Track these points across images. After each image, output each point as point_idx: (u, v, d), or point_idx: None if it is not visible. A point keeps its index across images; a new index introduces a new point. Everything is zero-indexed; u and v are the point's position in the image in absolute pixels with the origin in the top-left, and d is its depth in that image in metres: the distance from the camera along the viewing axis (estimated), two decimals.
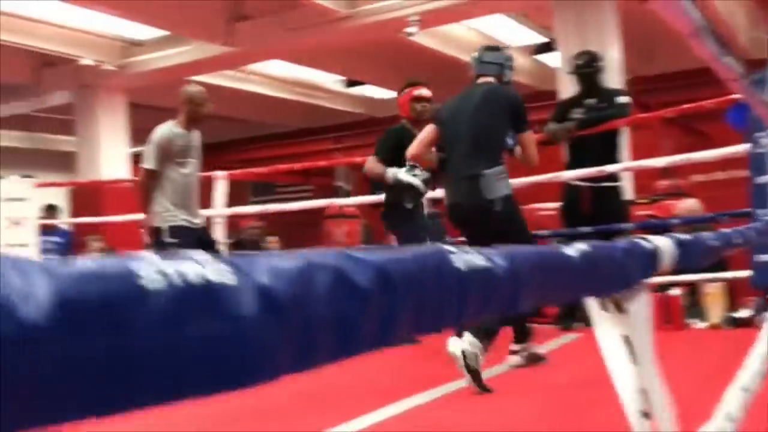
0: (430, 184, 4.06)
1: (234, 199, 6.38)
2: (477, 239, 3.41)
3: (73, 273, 0.34)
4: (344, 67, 10.73)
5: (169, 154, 4.54)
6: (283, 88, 11.52)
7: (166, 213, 4.57)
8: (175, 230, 4.56)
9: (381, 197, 5.21)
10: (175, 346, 0.37)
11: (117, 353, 0.34)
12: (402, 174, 4.00)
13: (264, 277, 0.42)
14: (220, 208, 5.96)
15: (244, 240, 8.70)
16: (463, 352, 2.98)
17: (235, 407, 2.59)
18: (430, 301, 0.55)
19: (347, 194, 10.44)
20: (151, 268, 0.36)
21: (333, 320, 0.47)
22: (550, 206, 7.41)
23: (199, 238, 4.69)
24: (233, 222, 6.87)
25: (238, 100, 11.31)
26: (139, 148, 12.54)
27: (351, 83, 11.98)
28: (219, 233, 5.91)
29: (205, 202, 6.02)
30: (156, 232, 4.62)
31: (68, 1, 7.49)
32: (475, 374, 2.98)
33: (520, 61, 10.81)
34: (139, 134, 11.10)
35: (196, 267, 0.39)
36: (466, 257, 0.59)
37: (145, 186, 4.59)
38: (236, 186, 6.09)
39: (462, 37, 9.44)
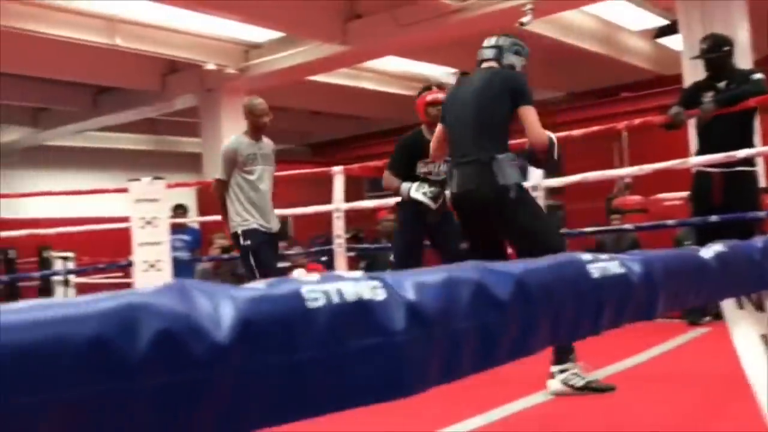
0: (440, 198, 3.96)
1: (349, 195, 6.49)
2: (488, 234, 3.22)
3: (249, 296, 0.37)
4: (458, 60, 10.69)
5: (235, 163, 4.85)
6: (396, 84, 11.61)
7: (239, 218, 4.86)
8: (248, 234, 4.83)
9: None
10: (337, 360, 0.40)
11: (289, 367, 0.38)
12: (412, 191, 3.99)
13: (410, 292, 0.44)
14: (338, 203, 6.09)
15: (380, 231, 8.88)
16: (570, 386, 2.92)
17: None
18: (567, 310, 0.56)
19: None
20: (313, 288, 0.39)
21: (475, 332, 0.48)
22: (678, 195, 7.14)
23: (271, 241, 4.93)
24: (349, 216, 6.97)
25: (352, 97, 11.49)
26: None
27: (465, 75, 11.93)
28: (339, 227, 6.04)
29: (326, 197, 6.18)
30: (234, 237, 4.93)
31: (192, 9, 7.83)
32: (594, 389, 2.92)
33: (641, 45, 10.48)
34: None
35: (351, 285, 0.42)
36: (600, 265, 0.59)
37: (218, 195, 4.94)
38: (351, 182, 6.20)
39: (580, 24, 9.23)
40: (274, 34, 9.21)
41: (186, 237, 8.81)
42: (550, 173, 4.37)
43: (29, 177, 13.19)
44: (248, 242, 4.86)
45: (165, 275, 7.10)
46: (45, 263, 8.82)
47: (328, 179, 6.24)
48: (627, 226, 6.27)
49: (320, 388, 0.42)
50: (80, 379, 0.34)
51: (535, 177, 5.14)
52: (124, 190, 7.59)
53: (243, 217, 4.87)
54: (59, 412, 0.33)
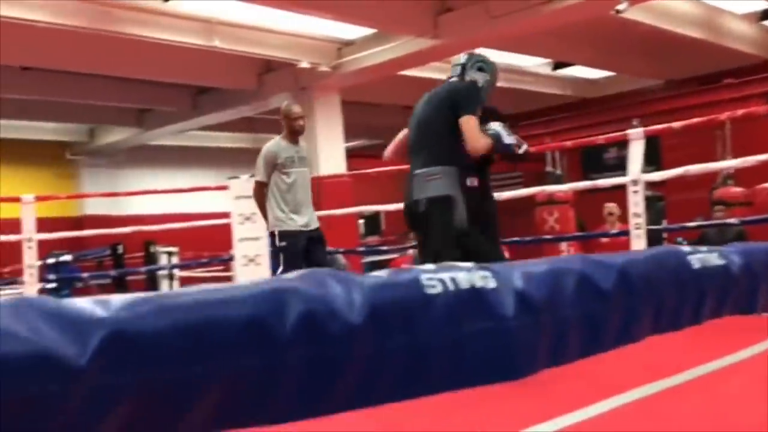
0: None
1: None
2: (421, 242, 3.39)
3: (374, 283, 0.41)
4: (551, 50, 10.55)
5: (275, 166, 5.09)
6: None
7: (276, 219, 5.09)
8: (284, 235, 5.06)
9: (594, 183, 5.12)
10: (454, 343, 0.43)
11: (410, 347, 0.42)
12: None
13: (519, 281, 0.48)
14: None
15: None
16: None
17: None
18: (669, 300, 0.58)
19: (558, 179, 10.24)
20: (431, 276, 0.43)
21: (580, 319, 0.51)
22: None
23: (309, 239, 5.14)
24: None
25: None
26: (353, 143, 13.10)
27: (558, 65, 11.74)
28: None
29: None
30: (270, 235, 5.17)
31: (287, 9, 8.01)
32: None
33: (744, 28, 10.05)
34: (351, 130, 11.65)
35: (464, 274, 0.45)
36: (701, 256, 0.61)
37: (257, 196, 5.19)
38: None
39: (678, 9, 8.95)
40: (366, 31, 9.30)
41: None
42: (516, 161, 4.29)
43: (134, 175, 13.81)
44: (283, 243, 5.15)
45: (263, 269, 7.31)
46: (151, 258, 9.23)
47: None
48: (732, 220, 6.05)
49: (438, 368, 0.46)
50: (240, 352, 0.39)
51: (634, 171, 5.02)
52: (224, 188, 7.86)
53: (279, 218, 5.11)
54: (223, 380, 0.38)
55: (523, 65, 11.51)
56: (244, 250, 7.54)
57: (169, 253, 9.97)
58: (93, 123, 13.35)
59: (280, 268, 5.18)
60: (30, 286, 6.35)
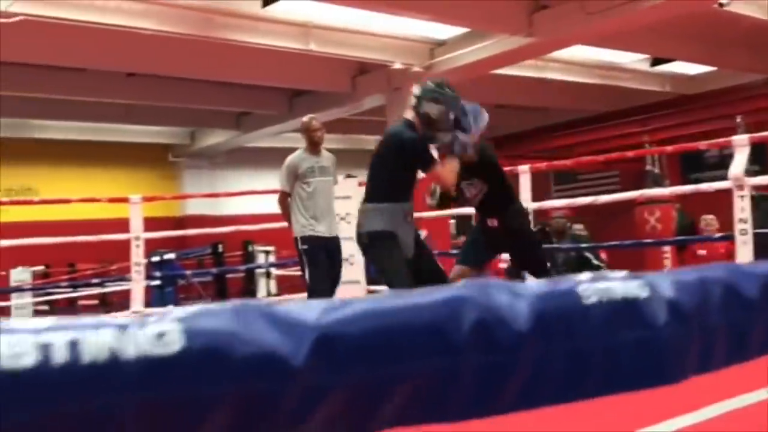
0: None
1: (535, 188, 6.43)
2: None
3: (537, 293, 0.43)
4: (650, 45, 10.25)
5: (296, 176, 5.42)
6: (582, 73, 11.32)
7: (298, 225, 5.40)
8: (305, 239, 5.34)
9: (696, 187, 4.99)
10: (609, 350, 0.45)
11: (571, 354, 0.44)
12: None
13: (669, 290, 0.49)
14: (526, 202, 6.06)
15: (549, 229, 8.74)
16: None
17: None
18: None
19: (658, 179, 9.96)
20: (587, 287, 0.45)
21: (727, 327, 0.52)
22: None
23: (326, 247, 5.40)
24: (538, 212, 6.89)
25: (537, 88, 11.35)
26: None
27: (656, 61, 11.41)
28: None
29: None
30: (294, 240, 5.46)
31: (383, 11, 8.09)
32: None
33: None
34: None
35: (619, 284, 0.47)
36: None
37: (281, 204, 5.53)
38: (537, 175, 6.18)
39: None
40: (458, 31, 9.29)
41: None
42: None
43: (233, 176, 14.22)
44: (305, 246, 5.52)
45: (357, 269, 7.41)
46: (249, 257, 9.48)
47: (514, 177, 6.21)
48: None
49: (595, 375, 0.48)
50: (424, 355, 0.42)
51: (737, 175, 4.83)
52: None
53: (301, 224, 5.41)
54: (410, 380, 0.41)
55: (620, 62, 11.24)
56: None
57: (266, 252, 10.22)
58: (194, 126, 13.82)
59: (307, 270, 5.49)
60: (137, 283, 6.64)
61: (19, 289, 10.54)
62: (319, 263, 5.50)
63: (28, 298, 10.49)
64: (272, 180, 12.77)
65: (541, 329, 0.44)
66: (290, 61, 9.40)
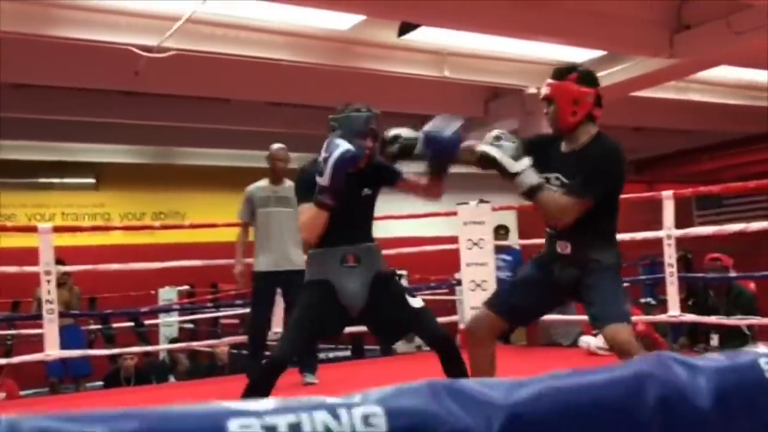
0: None
1: (676, 213, 6.15)
2: None
3: (716, 367, 0.43)
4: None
5: (252, 206, 5.40)
6: (726, 93, 10.79)
7: (255, 258, 5.37)
8: (254, 276, 5.35)
9: None
10: None
11: (756, 431, 0.43)
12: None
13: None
14: (669, 229, 5.83)
15: (688, 256, 8.36)
16: None
17: None
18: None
19: None
20: None
21: None
22: None
23: (273, 283, 5.34)
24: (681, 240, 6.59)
25: (678, 110, 10.92)
26: None
27: None
28: (669, 254, 5.79)
29: (654, 214, 5.95)
30: (251, 275, 5.42)
31: (517, 37, 8.07)
32: None
33: None
34: None
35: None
36: None
37: (238, 233, 5.56)
38: (678, 200, 5.92)
39: None
40: (595, 53, 9.10)
41: (507, 257, 9.04)
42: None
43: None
44: (253, 283, 5.33)
45: (488, 295, 7.36)
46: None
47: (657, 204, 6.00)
48: None
49: None
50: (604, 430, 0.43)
51: None
52: (453, 213, 8.03)
53: (256, 258, 5.39)
54: None
55: (766, 81, 10.65)
56: (472, 275, 7.65)
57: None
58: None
59: (252, 311, 5.40)
60: (278, 306, 6.87)
61: (166, 309, 11.14)
62: (260, 304, 5.48)
63: (174, 317, 11.07)
64: (406, 205, 12.88)
65: (723, 406, 0.43)
66: (424, 87, 9.51)
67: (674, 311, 5.89)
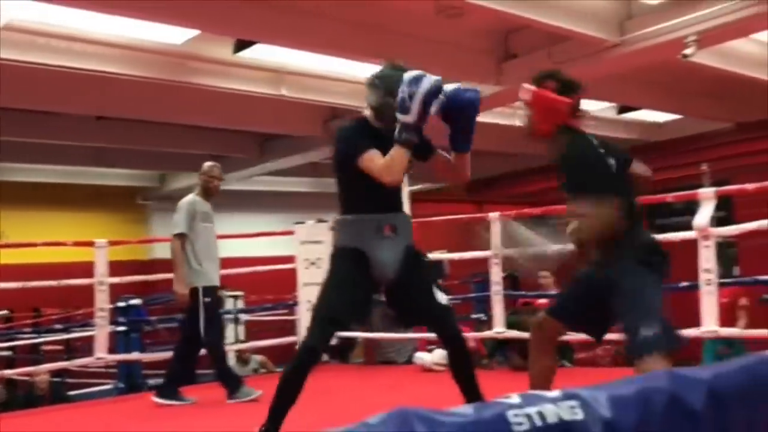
0: None
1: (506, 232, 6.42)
2: None
3: (459, 422, 0.42)
4: (616, 94, 10.44)
5: (194, 218, 5.31)
6: None
7: (196, 274, 5.24)
8: (207, 291, 5.23)
9: (664, 236, 4.97)
10: None
11: None
12: None
13: (607, 409, 0.46)
14: (495, 249, 6.08)
15: (515, 275, 8.74)
16: None
17: None
18: (763, 415, 0.55)
19: None
20: (517, 413, 0.43)
21: None
22: None
23: (218, 296, 5.51)
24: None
25: (506, 135, 11.45)
26: (417, 187, 13.10)
27: (623, 109, 11.60)
28: (496, 273, 6.02)
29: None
30: (193, 292, 5.22)
31: (353, 59, 8.16)
32: None
33: None
34: (413, 174, 11.68)
35: (551, 407, 0.44)
36: None
37: (177, 247, 5.28)
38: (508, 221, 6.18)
39: (746, 52, 8.77)
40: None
41: None
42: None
43: None
44: (207, 299, 5.24)
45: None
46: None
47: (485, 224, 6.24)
48: None
49: None
50: None
51: (703, 225, 4.89)
52: (290, 233, 7.97)
53: (201, 272, 5.26)
54: None
55: (587, 109, 11.40)
56: (309, 295, 7.61)
57: (235, 297, 10.10)
58: (164, 169, 13.73)
59: (202, 329, 5.26)
60: (101, 329, 6.51)
61: None
62: (217, 316, 5.43)
63: None
64: (242, 223, 12.73)
65: None
66: (262, 105, 9.42)
67: (499, 328, 6.12)
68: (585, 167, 2.95)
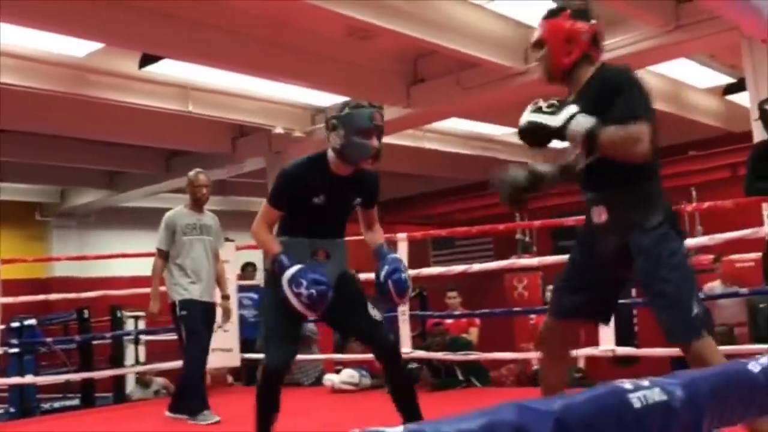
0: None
1: (414, 252, 6.49)
2: None
3: None
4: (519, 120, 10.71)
5: (173, 232, 5.12)
6: (459, 143, 11.71)
7: (175, 288, 5.08)
8: (183, 304, 5.05)
9: (564, 257, 5.09)
10: None
11: None
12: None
13: None
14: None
15: (423, 293, 8.83)
16: None
17: None
18: None
19: (527, 247, 10.34)
20: None
21: None
22: (750, 257, 6.95)
23: (205, 312, 5.15)
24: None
25: (416, 156, 11.61)
26: None
27: None
28: None
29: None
30: (171, 306, 5.12)
31: (262, 77, 8.12)
32: None
33: (708, 102, 10.32)
34: None
35: None
36: (641, 393, 0.60)
37: (156, 263, 5.15)
38: (417, 241, 6.27)
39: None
40: (338, 99, 9.42)
41: (254, 295, 8.96)
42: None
43: (104, 237, 13.64)
44: (183, 312, 5.14)
45: (232, 334, 7.22)
46: (117, 323, 9.06)
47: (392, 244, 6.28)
48: (701, 294, 6.11)
49: None
50: None
51: None
52: None
53: (180, 286, 5.09)
54: None
55: (493, 134, 11.70)
56: None
57: (136, 318, 9.80)
58: (65, 185, 13.25)
59: (185, 342, 5.15)
60: None
61: None
62: (198, 331, 5.19)
63: None
64: (146, 241, 12.39)
65: None
66: (168, 121, 9.24)
67: (405, 348, 6.16)
68: (643, 90, 2.55)
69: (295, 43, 7.57)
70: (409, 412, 3.20)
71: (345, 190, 3.32)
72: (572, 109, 2.51)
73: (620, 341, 5.13)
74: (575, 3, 2.82)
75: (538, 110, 2.59)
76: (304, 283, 3.03)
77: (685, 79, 9.55)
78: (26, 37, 6.79)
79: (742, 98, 9.14)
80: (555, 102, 2.58)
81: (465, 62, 7.88)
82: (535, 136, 2.62)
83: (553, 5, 2.92)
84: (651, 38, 7.22)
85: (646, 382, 0.67)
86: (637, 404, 0.64)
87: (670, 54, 7.79)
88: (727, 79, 9.53)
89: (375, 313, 3.35)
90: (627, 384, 0.65)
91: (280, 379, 3.27)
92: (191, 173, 5.50)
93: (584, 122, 2.47)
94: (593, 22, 2.73)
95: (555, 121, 2.51)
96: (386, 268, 3.30)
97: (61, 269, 12.79)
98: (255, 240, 3.34)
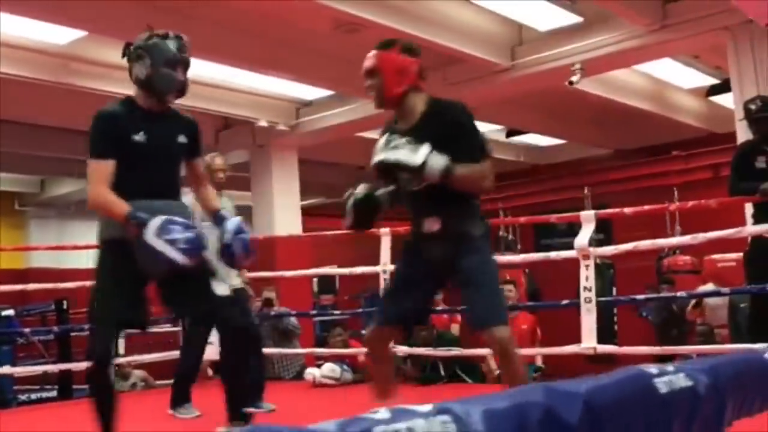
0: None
1: (397, 248, 6.43)
2: None
3: None
4: (505, 117, 10.74)
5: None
6: None
7: None
8: None
9: (546, 255, 5.12)
10: None
11: None
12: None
13: (480, 424, 0.44)
14: (384, 264, 6.09)
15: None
16: None
17: None
18: (637, 429, 0.55)
19: (511, 245, 10.35)
20: (386, 429, 0.40)
21: None
22: (732, 256, 7.00)
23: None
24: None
25: None
26: (310, 201, 13.04)
27: (511, 132, 11.95)
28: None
29: (375, 250, 6.19)
30: None
31: (247, 69, 8.05)
32: None
33: (692, 103, 10.39)
34: (307, 188, 11.61)
35: (422, 422, 0.42)
36: (667, 378, 0.58)
37: None
38: (398, 239, 6.22)
39: (629, 83, 9.22)
40: (324, 92, 9.37)
41: None
42: None
43: (84, 228, 13.49)
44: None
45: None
46: None
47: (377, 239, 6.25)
48: (680, 293, 6.16)
49: None
50: None
51: (583, 245, 5.06)
52: None
53: None
54: None
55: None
56: None
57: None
58: (44, 175, 13.09)
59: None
60: None
61: None
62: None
63: None
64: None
65: None
66: None
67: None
68: (476, 129, 2.93)
69: (282, 36, 7.51)
70: (234, 405, 3.00)
71: (164, 127, 3.06)
72: (426, 148, 2.72)
73: (601, 340, 5.13)
74: (403, 41, 3.12)
75: (395, 147, 2.76)
76: (176, 228, 2.77)
77: (669, 79, 9.60)
78: (6, 24, 6.68)
79: (725, 99, 9.22)
80: (409, 139, 2.76)
81: (451, 57, 7.86)
82: (394, 171, 2.80)
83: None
84: (636, 37, 7.24)
85: (670, 368, 0.64)
86: (663, 389, 0.62)
87: (655, 53, 7.83)
88: (711, 80, 9.58)
89: (221, 288, 3.09)
90: (652, 368, 0.62)
91: (103, 369, 2.90)
92: (207, 157, 5.27)
93: (439, 161, 2.71)
94: (418, 58, 3.03)
95: (415, 159, 2.70)
96: (230, 228, 3.08)
97: (39, 260, 12.66)
98: (96, 206, 2.93)
